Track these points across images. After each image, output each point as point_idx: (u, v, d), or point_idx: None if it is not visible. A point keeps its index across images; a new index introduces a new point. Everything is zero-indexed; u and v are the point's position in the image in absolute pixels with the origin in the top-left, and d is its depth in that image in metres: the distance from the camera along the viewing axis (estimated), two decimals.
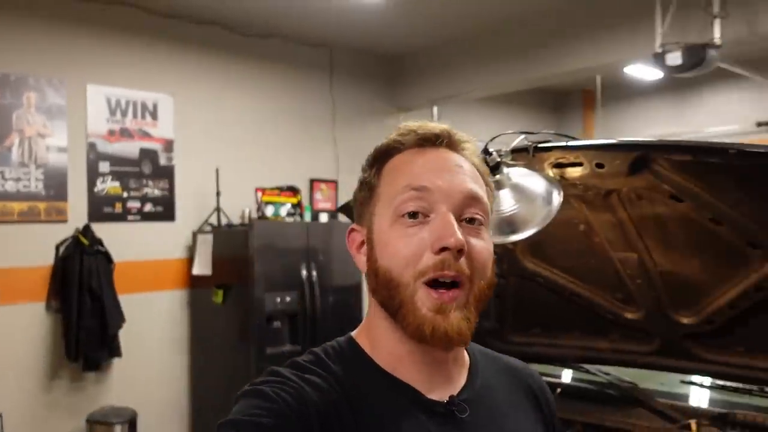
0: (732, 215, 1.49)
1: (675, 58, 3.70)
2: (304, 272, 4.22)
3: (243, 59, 4.95)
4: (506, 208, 1.36)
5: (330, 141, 5.48)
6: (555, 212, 1.39)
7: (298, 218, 4.53)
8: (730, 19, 3.76)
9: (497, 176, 1.36)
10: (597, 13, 4.49)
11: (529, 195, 1.37)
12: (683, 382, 2.28)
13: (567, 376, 2.36)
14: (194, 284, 4.50)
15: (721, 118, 6.44)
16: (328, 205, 5.40)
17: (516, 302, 2.19)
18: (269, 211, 4.41)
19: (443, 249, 0.78)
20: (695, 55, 3.66)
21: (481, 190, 0.84)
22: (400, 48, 5.65)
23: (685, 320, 1.85)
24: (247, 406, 0.75)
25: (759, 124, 6.28)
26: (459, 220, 0.81)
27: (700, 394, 2.18)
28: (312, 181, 5.35)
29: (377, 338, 0.86)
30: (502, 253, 2.01)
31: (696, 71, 3.80)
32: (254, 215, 4.45)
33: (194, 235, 4.51)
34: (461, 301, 0.79)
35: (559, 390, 2.19)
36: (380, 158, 0.88)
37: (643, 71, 5.64)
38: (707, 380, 2.13)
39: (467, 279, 0.79)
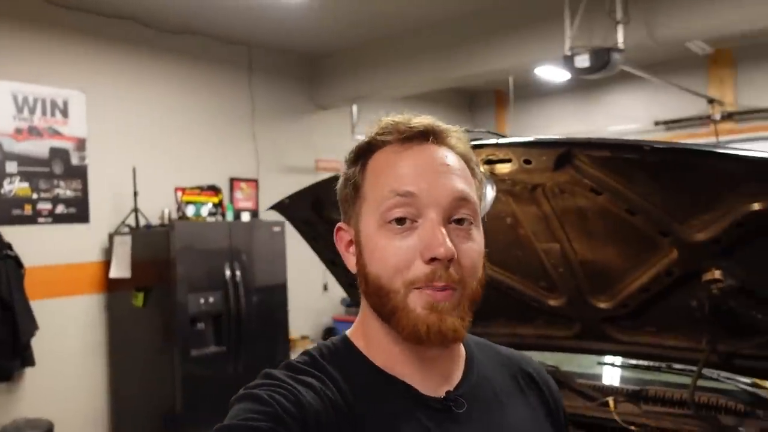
0: (645, 206, 1.63)
1: (583, 61, 3.92)
2: (227, 272, 4.18)
3: (159, 55, 4.82)
4: None
5: (249, 139, 5.43)
6: (489, 206, 1.48)
7: (219, 218, 4.48)
8: (632, 25, 4.03)
9: None
10: (510, 17, 4.69)
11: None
12: (600, 363, 2.45)
13: None
14: (112, 288, 4.35)
15: (622, 117, 6.85)
16: (249, 204, 5.36)
17: None
18: (190, 211, 4.33)
19: (433, 259, 0.76)
20: (601, 58, 3.90)
21: (469, 188, 0.82)
22: (320, 47, 5.67)
23: (602, 305, 1.99)
24: (242, 411, 0.73)
25: (656, 123, 6.74)
26: (448, 221, 0.79)
27: (615, 373, 2.35)
28: (232, 180, 5.28)
29: (372, 337, 0.85)
30: None
31: (602, 73, 4.05)
32: (174, 215, 4.36)
33: (111, 237, 4.36)
34: (454, 302, 0.78)
35: None
36: (363, 154, 0.85)
37: (552, 72, 5.91)
38: (621, 360, 2.30)
39: (459, 283, 0.78)
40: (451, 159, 0.82)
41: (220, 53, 5.22)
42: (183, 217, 4.30)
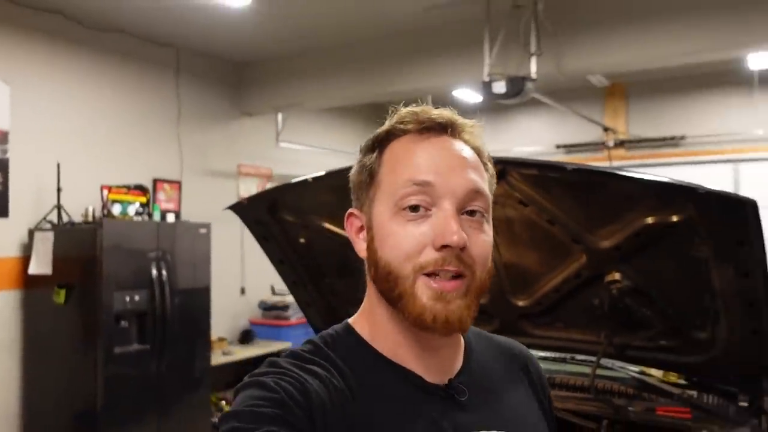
0: (563, 218, 1.95)
1: (500, 87, 4.30)
2: (154, 272, 4.22)
3: (88, 52, 4.80)
4: None
5: (174, 141, 5.47)
6: None
7: (146, 218, 4.51)
8: (543, 57, 4.46)
9: None
10: (435, 41, 5.03)
11: None
12: None
13: None
14: (30, 284, 4.28)
15: (528, 139, 7.40)
16: (171, 206, 5.38)
17: None
18: (116, 209, 4.34)
19: (444, 246, 0.78)
20: (516, 86, 4.29)
21: (482, 182, 0.84)
22: (249, 54, 5.79)
23: (520, 303, 2.30)
24: (248, 397, 0.75)
25: (558, 146, 7.33)
26: (461, 212, 0.81)
27: None
28: (155, 181, 5.29)
29: (377, 324, 0.87)
30: None
31: (516, 99, 4.45)
32: (98, 213, 4.35)
33: (31, 232, 4.29)
34: (462, 291, 0.79)
35: None
36: (381, 142, 0.87)
37: (467, 94, 6.32)
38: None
39: (469, 272, 0.80)
40: (467, 152, 0.84)
41: (148, 54, 5.25)
42: (108, 215, 4.30)
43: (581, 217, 1.94)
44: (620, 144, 7.00)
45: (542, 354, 2.61)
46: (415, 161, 0.82)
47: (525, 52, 4.46)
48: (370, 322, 0.88)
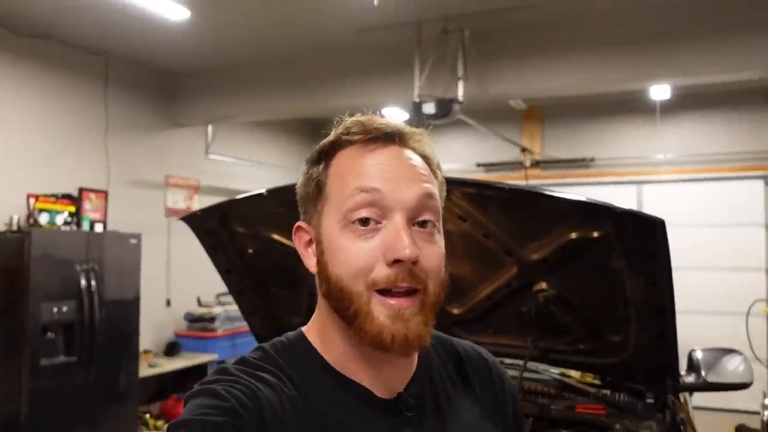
0: (497, 232, 2.15)
1: (430, 108, 4.54)
2: (83, 282, 4.17)
3: (13, 58, 4.69)
4: None
5: (101, 150, 5.39)
6: None
7: (74, 227, 4.43)
8: (470, 82, 4.74)
9: None
10: (368, 62, 5.23)
11: None
12: None
13: None
14: None
15: (450, 157, 7.70)
16: (97, 216, 5.28)
17: None
18: (44, 218, 4.26)
19: (396, 261, 0.76)
20: (445, 107, 4.54)
21: (433, 188, 0.82)
22: (181, 65, 5.79)
23: (455, 311, 2.48)
24: (199, 406, 0.73)
25: (478, 165, 7.68)
26: (411, 224, 0.79)
27: None
28: (81, 190, 5.19)
29: (328, 336, 0.85)
30: None
31: (444, 120, 4.70)
32: (23, 222, 4.25)
33: None
34: (417, 306, 0.78)
35: None
36: (327, 153, 0.85)
37: (395, 113, 6.55)
38: None
39: (422, 286, 0.78)
40: (416, 160, 0.83)
41: (77, 62, 5.17)
42: (35, 224, 4.21)
43: (514, 231, 2.14)
44: (536, 164, 7.43)
45: None
46: (362, 171, 0.80)
47: (453, 76, 4.72)
48: (321, 334, 0.85)
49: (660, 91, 6.10)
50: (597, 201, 1.95)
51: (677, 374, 2.22)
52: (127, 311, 4.53)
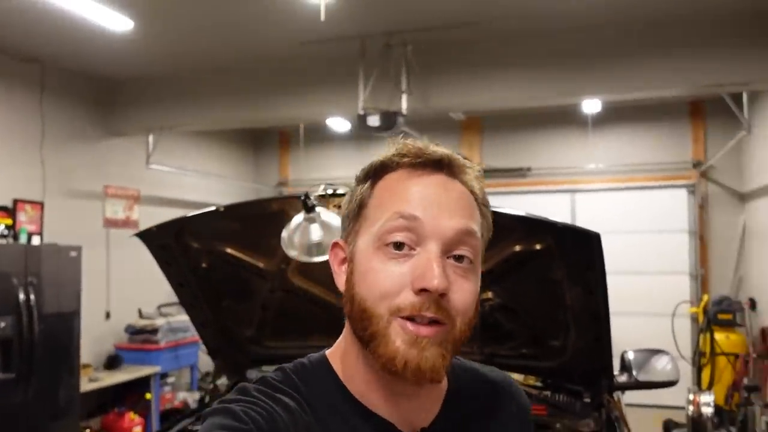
0: None
1: (374, 120, 4.65)
2: (21, 296, 4.06)
3: None
4: (316, 237, 1.90)
5: (37, 160, 5.25)
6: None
7: (11, 240, 4.32)
8: (412, 95, 4.88)
9: (311, 214, 1.89)
10: (312, 74, 5.30)
11: (331, 227, 1.94)
12: None
13: None
14: None
15: None
16: (33, 228, 5.15)
17: (278, 313, 2.69)
18: None
19: (423, 290, 0.73)
20: (389, 120, 4.66)
21: (475, 225, 0.79)
22: (120, 73, 5.70)
23: None
24: (216, 426, 0.72)
25: None
26: (447, 256, 0.76)
27: None
28: (15, 201, 5.05)
29: (349, 363, 0.83)
30: (275, 272, 2.52)
31: (388, 132, 4.81)
32: None
33: None
34: (439, 338, 0.74)
35: None
36: (374, 174, 0.83)
37: (337, 122, 6.64)
38: None
39: (448, 320, 0.75)
40: (462, 193, 0.80)
41: (10, 69, 5.03)
42: None
43: None
44: None
45: None
46: (405, 196, 0.78)
47: (396, 90, 4.85)
48: (344, 360, 0.84)
49: (591, 105, 6.42)
50: (539, 216, 2.08)
51: (611, 375, 2.38)
52: (67, 325, 4.43)
